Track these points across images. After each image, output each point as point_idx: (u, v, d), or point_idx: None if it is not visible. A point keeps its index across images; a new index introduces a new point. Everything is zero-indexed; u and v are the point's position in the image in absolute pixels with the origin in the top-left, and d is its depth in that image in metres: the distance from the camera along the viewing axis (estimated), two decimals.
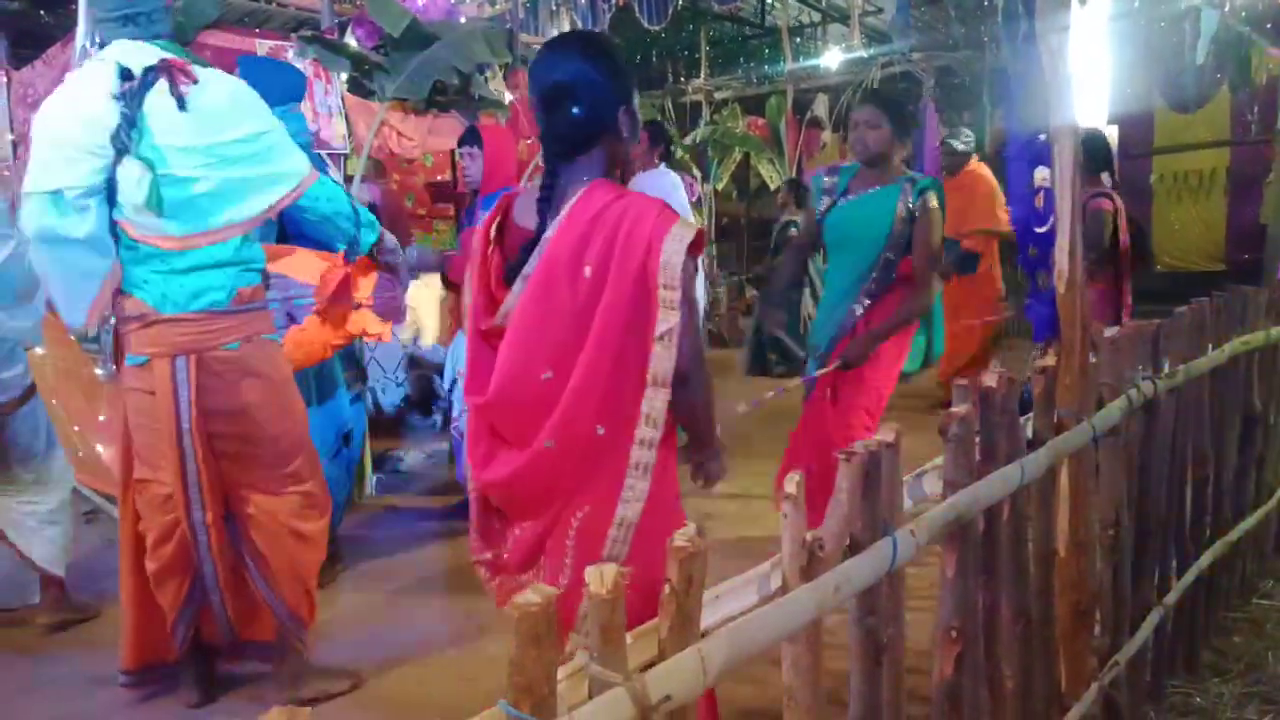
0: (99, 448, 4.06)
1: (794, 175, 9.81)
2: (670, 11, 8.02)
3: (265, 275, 2.69)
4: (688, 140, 10.46)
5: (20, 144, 4.81)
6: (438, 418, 5.83)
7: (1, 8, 6.20)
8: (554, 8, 7.30)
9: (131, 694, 2.73)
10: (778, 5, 11.22)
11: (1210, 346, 2.71)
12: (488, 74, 5.84)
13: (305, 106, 4.88)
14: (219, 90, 2.45)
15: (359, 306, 3.08)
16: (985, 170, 6.17)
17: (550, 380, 1.63)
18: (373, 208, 5.14)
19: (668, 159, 4.88)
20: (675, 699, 0.99)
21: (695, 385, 1.66)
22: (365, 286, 3.09)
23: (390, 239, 3.03)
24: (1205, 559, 2.74)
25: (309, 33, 4.86)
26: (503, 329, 1.69)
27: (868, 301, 3.09)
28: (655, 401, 1.60)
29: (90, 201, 2.39)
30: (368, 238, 2.88)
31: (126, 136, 2.34)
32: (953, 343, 6.16)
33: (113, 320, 2.58)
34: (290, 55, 4.92)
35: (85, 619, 3.33)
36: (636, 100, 1.76)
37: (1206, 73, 8.23)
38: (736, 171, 11.29)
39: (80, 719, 2.72)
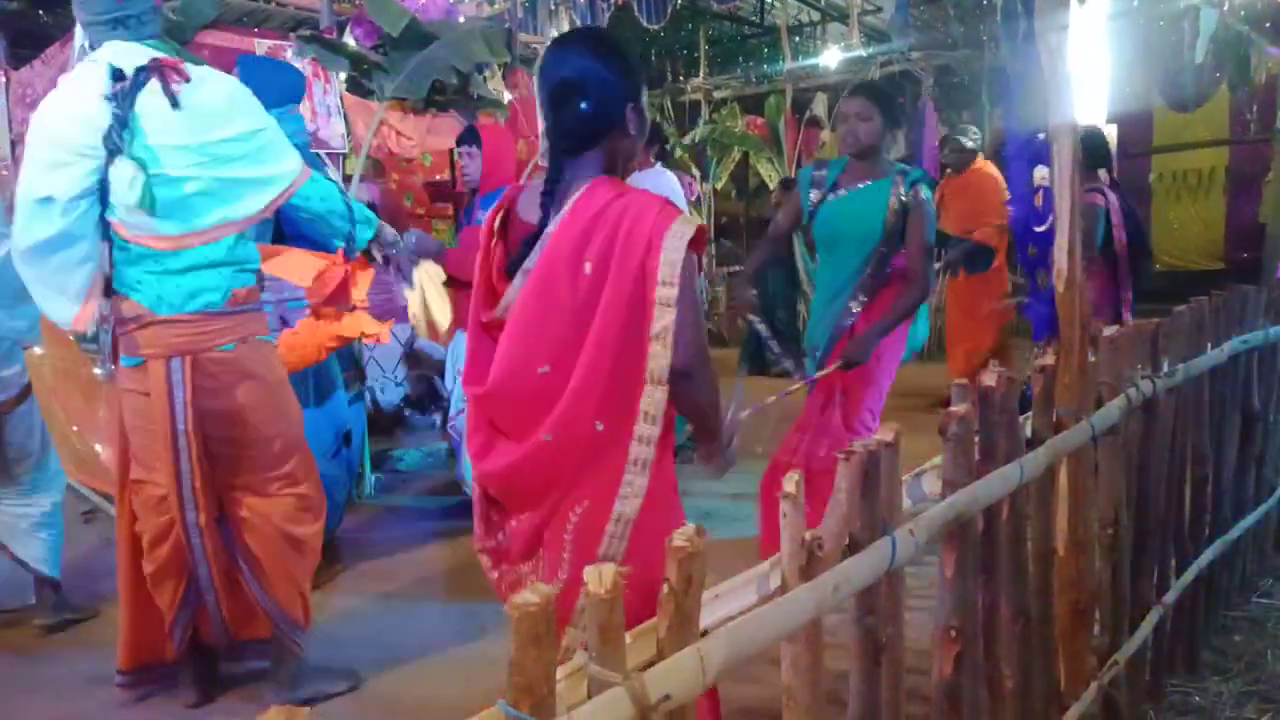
0: (98, 447, 4.06)
1: (791, 174, 9.81)
2: (669, 10, 8.02)
3: (260, 276, 2.69)
4: (687, 139, 10.46)
5: (19, 143, 4.81)
6: (437, 417, 5.83)
7: (0, 7, 6.19)
8: (553, 7, 7.29)
9: (130, 694, 2.73)
10: (777, 4, 11.22)
11: (1209, 345, 2.71)
12: (486, 73, 5.84)
13: (304, 106, 4.88)
14: (212, 89, 2.45)
15: (354, 308, 3.08)
16: (992, 168, 6.15)
17: (547, 375, 1.63)
18: (372, 207, 5.14)
19: (664, 158, 4.88)
20: (674, 698, 0.99)
21: (699, 382, 1.66)
22: (361, 287, 3.09)
23: (388, 231, 3.02)
24: (1205, 558, 2.74)
25: (308, 32, 4.86)
26: (503, 321, 1.70)
27: (864, 298, 3.07)
28: (654, 399, 1.60)
29: (82, 203, 2.39)
30: (364, 234, 2.88)
31: (119, 137, 2.34)
32: (967, 341, 6.12)
33: (111, 320, 2.58)
34: (289, 55, 4.91)
35: (82, 619, 3.33)
36: (645, 98, 1.77)
37: (1205, 72, 8.23)
38: (735, 171, 11.28)
39: (79, 719, 2.72)
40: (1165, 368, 2.44)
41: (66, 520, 3.51)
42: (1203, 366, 2.63)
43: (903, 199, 3.00)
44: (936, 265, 6.45)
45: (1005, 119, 7.82)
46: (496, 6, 6.80)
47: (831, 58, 10.95)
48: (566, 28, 7.48)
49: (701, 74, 11.50)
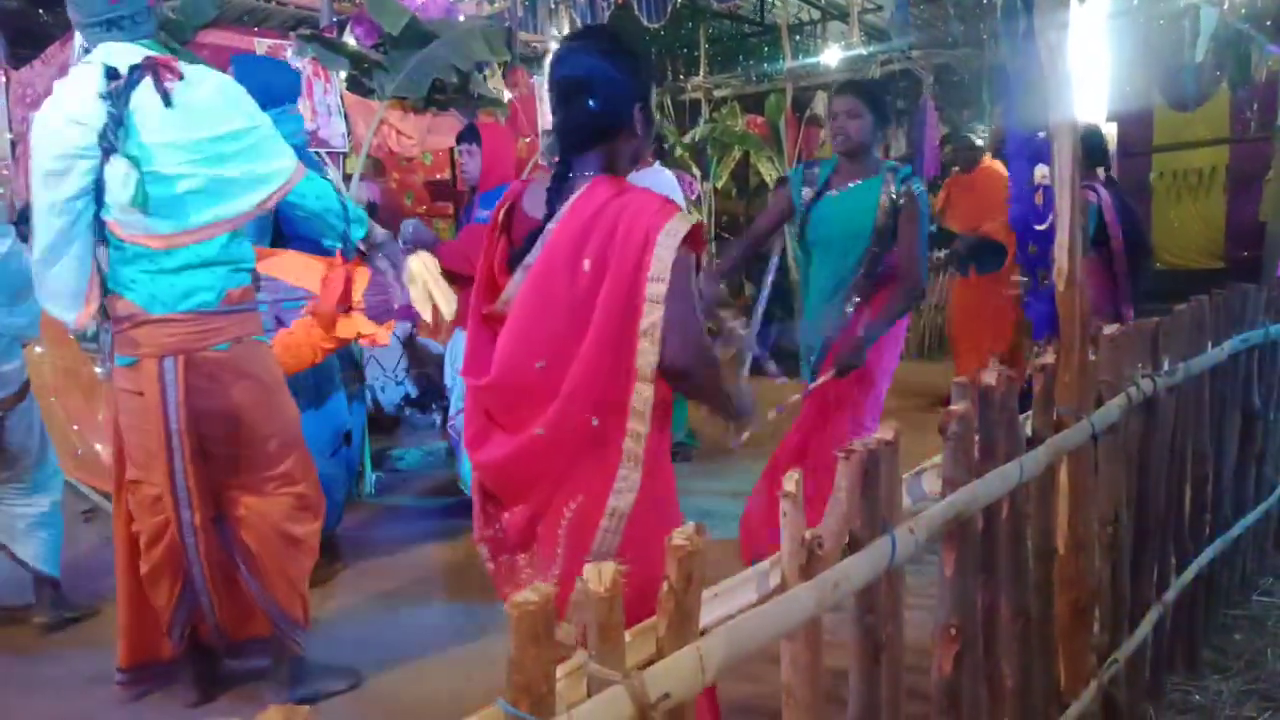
0: (98, 446, 4.07)
1: (800, 166, 9.78)
2: (669, 9, 8.02)
3: (255, 276, 2.69)
4: (687, 138, 10.44)
5: (19, 142, 4.81)
6: (437, 416, 5.83)
7: (0, 7, 6.19)
8: (553, 6, 7.29)
9: (130, 693, 2.74)
10: (777, 3, 11.21)
11: (1210, 344, 2.71)
12: (486, 72, 5.83)
13: (304, 105, 4.88)
14: (205, 86, 2.45)
15: (348, 310, 3.08)
16: (1000, 166, 6.12)
17: (544, 369, 1.64)
18: (372, 206, 5.15)
19: (661, 156, 4.88)
20: (674, 697, 0.99)
21: (699, 380, 1.66)
22: (358, 288, 3.09)
23: (378, 231, 3.01)
24: (1205, 556, 2.74)
25: (308, 31, 4.86)
26: (503, 315, 1.71)
27: (857, 299, 3.04)
28: (642, 396, 1.61)
29: (79, 203, 2.40)
30: (357, 232, 2.88)
31: (113, 135, 2.34)
32: (972, 342, 6.04)
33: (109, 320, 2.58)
34: (289, 54, 4.91)
35: (82, 618, 3.33)
36: (653, 99, 1.78)
37: (1206, 70, 8.21)
38: (736, 170, 11.25)
39: (78, 718, 2.72)
40: (1165, 366, 2.43)
41: (66, 519, 3.51)
42: (1203, 365, 2.63)
43: (894, 197, 2.98)
44: (941, 253, 6.33)
45: (1005, 117, 7.81)
46: (496, 5, 6.79)
47: (832, 56, 10.94)
48: (567, 26, 7.48)
49: (702, 73, 11.49)
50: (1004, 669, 1.82)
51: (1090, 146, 3.86)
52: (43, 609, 3.29)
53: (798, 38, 12.68)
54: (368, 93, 5.01)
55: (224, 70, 2.69)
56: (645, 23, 7.96)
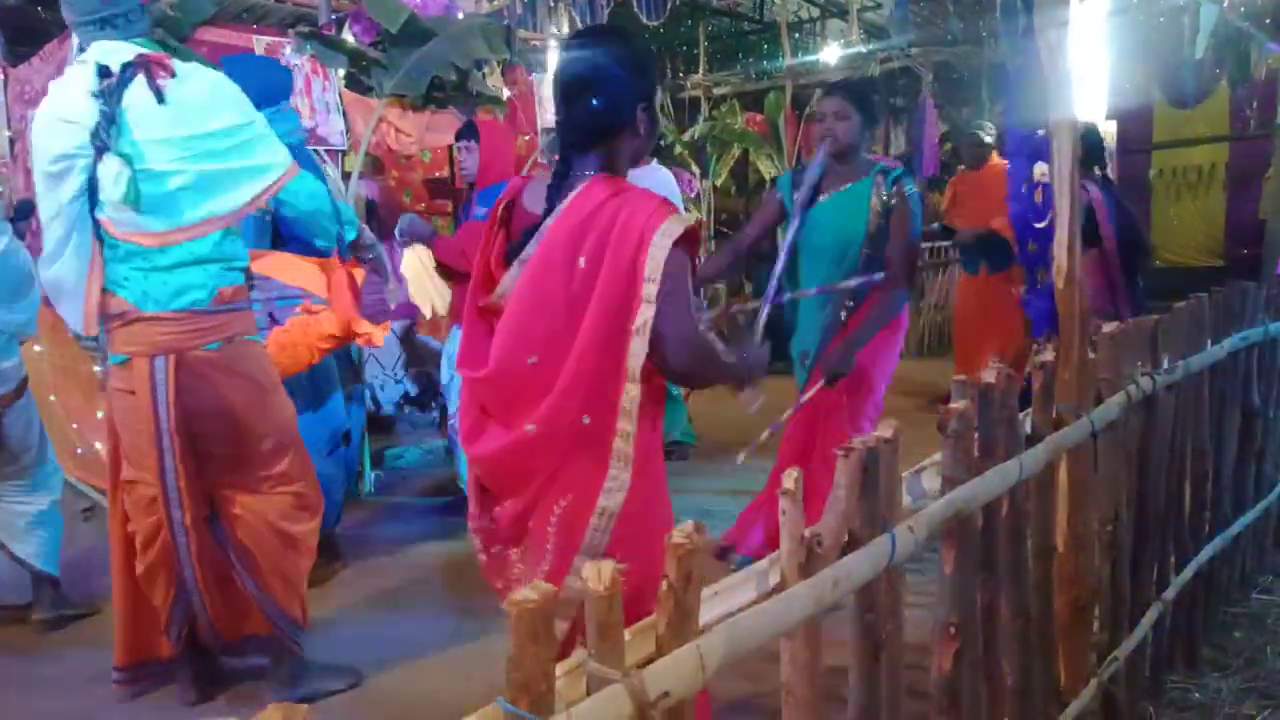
0: (97, 445, 4.06)
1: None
2: (669, 7, 8.01)
3: (249, 275, 2.68)
4: (686, 136, 10.44)
5: (18, 140, 4.80)
6: (435, 414, 5.83)
7: None
8: (552, 3, 7.27)
9: (127, 692, 2.73)
10: (776, 1, 11.20)
11: (1209, 342, 2.71)
12: (485, 70, 5.83)
13: (303, 102, 4.87)
14: (197, 83, 2.45)
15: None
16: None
17: (536, 365, 1.66)
18: (371, 204, 5.14)
19: (658, 154, 4.87)
20: (673, 695, 0.99)
21: (698, 377, 1.69)
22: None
23: (368, 235, 3.01)
24: (1204, 554, 2.74)
25: (306, 28, 4.85)
26: (498, 307, 1.72)
27: (851, 303, 3.00)
28: (631, 395, 1.62)
29: (77, 204, 2.40)
30: (349, 235, 2.87)
31: (106, 133, 2.34)
32: (979, 343, 5.95)
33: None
34: (287, 51, 4.90)
35: (81, 616, 3.33)
36: (657, 100, 1.78)
37: (1205, 68, 8.21)
38: (735, 167, 11.25)
39: (78, 717, 2.72)
40: (1165, 364, 2.43)
41: (65, 518, 3.51)
42: (1203, 363, 2.63)
43: (885, 198, 2.96)
44: (950, 249, 6.16)
45: (1005, 115, 7.81)
46: (495, 3, 6.78)
47: (831, 54, 10.94)
48: (566, 24, 7.47)
49: (701, 70, 11.49)
50: (1004, 667, 1.82)
51: (1086, 145, 3.85)
52: (42, 607, 3.29)
53: (797, 35, 12.67)
54: (366, 90, 5.00)
55: (216, 69, 2.69)
56: (644, 20, 7.95)
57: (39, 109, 2.50)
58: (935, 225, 6.23)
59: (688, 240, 1.62)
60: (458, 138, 3.97)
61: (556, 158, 1.77)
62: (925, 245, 9.51)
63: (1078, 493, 2.06)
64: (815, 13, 12.35)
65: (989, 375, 1.74)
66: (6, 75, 4.94)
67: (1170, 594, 2.53)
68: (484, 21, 5.00)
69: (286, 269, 3.04)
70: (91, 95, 2.36)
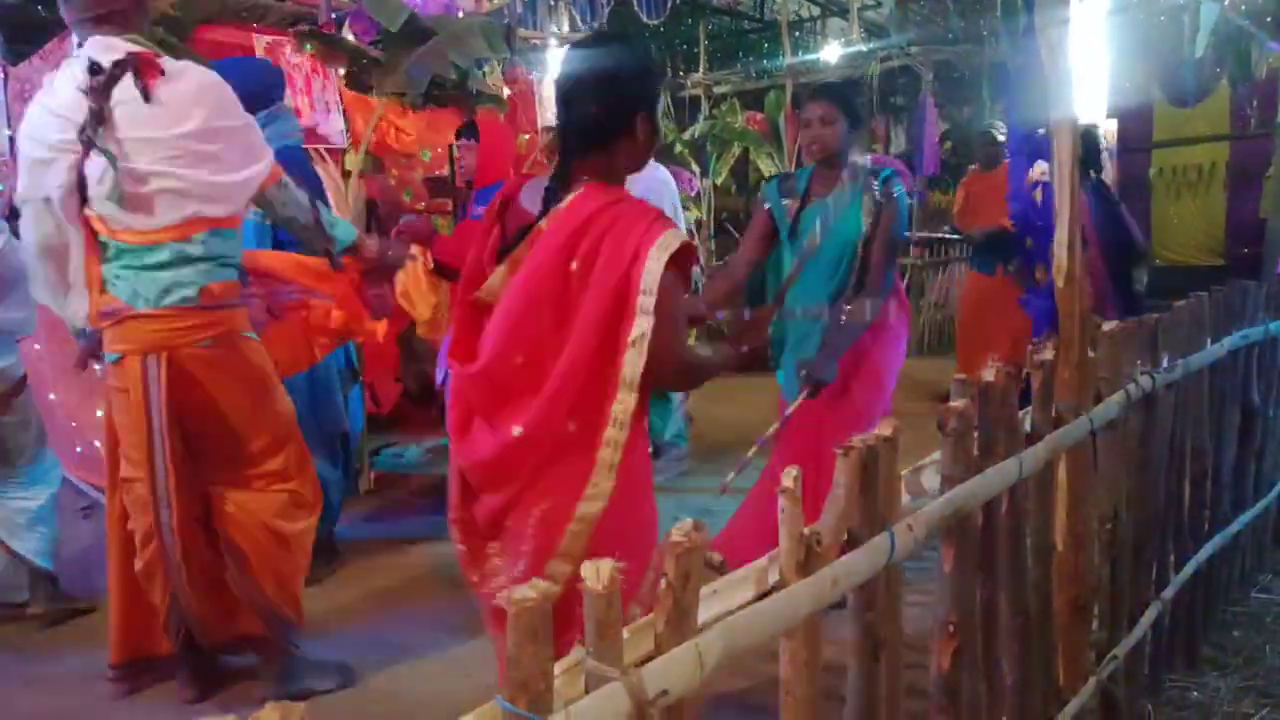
0: (97, 443, 4.06)
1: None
2: (669, 6, 8.00)
3: (243, 272, 2.68)
4: (686, 135, 10.44)
5: (17, 139, 4.80)
6: (435, 413, 5.82)
7: None
8: (552, 2, 7.28)
9: (123, 689, 2.73)
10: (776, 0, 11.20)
11: (1209, 341, 2.71)
12: (485, 69, 5.82)
13: (303, 101, 4.87)
14: (185, 83, 2.44)
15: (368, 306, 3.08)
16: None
17: (521, 365, 1.68)
18: (371, 203, 5.14)
19: (660, 153, 4.86)
20: (672, 693, 0.99)
21: (680, 389, 1.71)
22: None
23: (370, 246, 2.98)
24: (1204, 553, 2.74)
25: (306, 27, 4.85)
26: (487, 302, 1.75)
27: (849, 308, 2.95)
28: (624, 404, 1.64)
29: (62, 197, 2.40)
30: (338, 244, 2.84)
31: (93, 130, 2.34)
32: (987, 339, 5.88)
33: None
34: (287, 50, 4.90)
35: (79, 612, 3.33)
36: (659, 109, 1.79)
37: (1206, 66, 8.21)
38: (735, 166, 11.25)
39: (76, 715, 2.72)
40: (1165, 363, 2.43)
41: (64, 516, 3.50)
42: (1202, 362, 2.63)
43: (877, 199, 2.93)
44: (957, 237, 5.97)
45: (1006, 115, 7.80)
46: (495, 2, 6.78)
47: (831, 53, 10.93)
48: (566, 23, 7.47)
49: (701, 69, 11.48)
50: (1003, 666, 1.82)
51: (1082, 148, 3.82)
52: (38, 603, 3.29)
53: (797, 34, 12.67)
54: (366, 89, 5.00)
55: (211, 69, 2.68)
56: (645, 19, 7.95)
57: (32, 100, 2.51)
58: (947, 229, 6.16)
59: (682, 256, 1.63)
60: (457, 136, 3.98)
61: (556, 158, 1.78)
62: (927, 243, 9.54)
63: (1077, 491, 2.06)
64: (816, 11, 12.36)
65: (989, 374, 1.74)
66: (6, 74, 4.94)
67: (1169, 593, 2.53)
68: (484, 20, 5.00)
69: (288, 266, 3.04)
70: (80, 92, 2.36)
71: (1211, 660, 2.75)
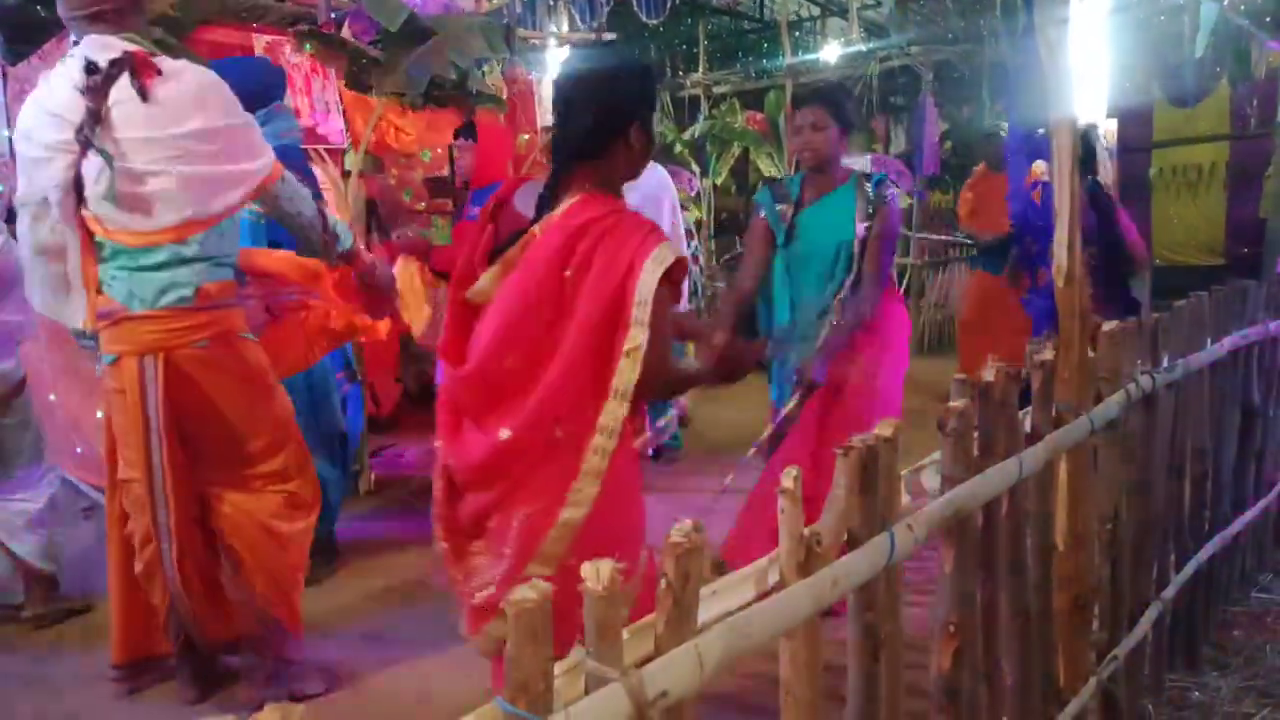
0: (97, 444, 4.05)
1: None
2: (668, 6, 8.00)
3: (240, 272, 2.67)
4: (686, 135, 10.45)
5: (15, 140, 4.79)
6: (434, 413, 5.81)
7: None
8: (551, 2, 7.27)
9: (125, 689, 2.73)
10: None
11: (1209, 340, 2.71)
12: (485, 69, 5.82)
13: (303, 102, 4.86)
14: (183, 82, 2.43)
15: (362, 308, 3.08)
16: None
17: (509, 368, 1.69)
18: (371, 203, 5.14)
19: (659, 153, 4.86)
20: (671, 695, 0.99)
21: (670, 396, 1.73)
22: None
23: (366, 258, 2.97)
24: (1204, 553, 2.74)
25: (305, 27, 4.84)
26: (476, 303, 1.77)
27: (844, 310, 2.95)
28: (615, 413, 1.66)
29: (59, 197, 2.39)
30: (344, 239, 2.85)
31: (90, 130, 2.33)
32: (993, 339, 5.83)
33: None
34: (287, 50, 4.90)
35: (76, 612, 3.32)
36: (653, 120, 1.80)
37: (1206, 66, 8.20)
38: (735, 166, 11.26)
39: (76, 715, 2.72)
40: (1165, 363, 2.43)
41: (65, 516, 3.50)
42: (1202, 362, 2.63)
43: (870, 200, 2.93)
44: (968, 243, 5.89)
45: (1006, 114, 7.79)
46: (495, 2, 6.78)
47: (831, 53, 10.94)
48: (566, 23, 7.46)
49: (701, 69, 11.48)
50: (1003, 666, 1.82)
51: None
52: (33, 606, 3.28)
53: (797, 34, 12.68)
54: (366, 89, 4.99)
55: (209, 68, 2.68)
56: (644, 19, 7.95)
57: (28, 100, 2.50)
58: (961, 234, 6.09)
59: (674, 271, 1.65)
60: (455, 137, 3.98)
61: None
62: (929, 244, 9.54)
63: (1077, 491, 2.06)
64: (815, 11, 12.36)
65: (989, 374, 1.74)
66: (6, 74, 4.94)
67: (1170, 593, 2.53)
68: (484, 20, 4.99)
69: (285, 266, 3.04)
70: (77, 91, 2.35)
71: (1212, 660, 2.75)
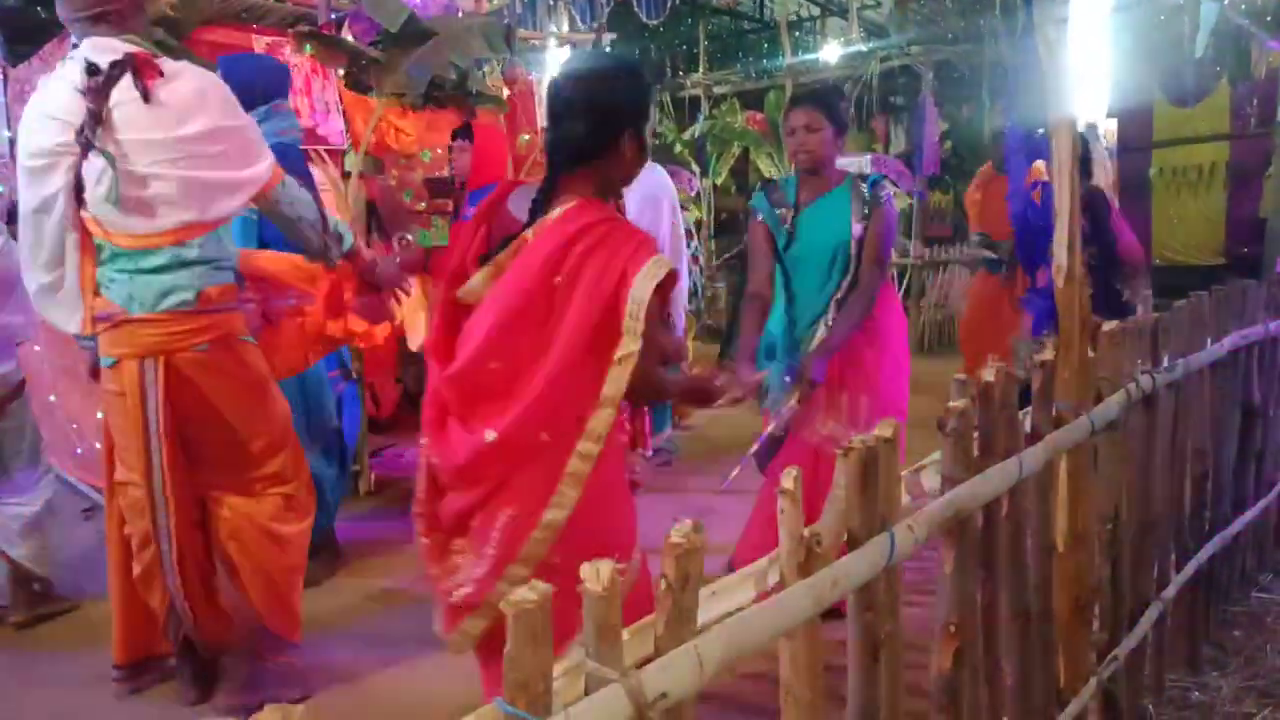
0: (97, 445, 4.06)
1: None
2: (668, 6, 8.01)
3: (239, 275, 2.66)
4: (686, 135, 10.46)
5: (17, 141, 4.79)
6: None
7: None
8: (551, 2, 7.27)
9: (127, 690, 2.73)
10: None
11: (1209, 340, 2.70)
12: (485, 69, 5.82)
13: (303, 102, 4.86)
14: (184, 84, 2.42)
15: (340, 314, 3.07)
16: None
17: (496, 371, 1.70)
18: (371, 204, 5.14)
19: (659, 154, 4.86)
20: (671, 696, 0.99)
21: (650, 403, 1.73)
22: (347, 290, 3.08)
23: (366, 255, 2.97)
24: (1204, 553, 2.74)
25: (306, 28, 4.84)
26: (466, 304, 1.78)
27: (841, 310, 2.95)
28: (603, 419, 1.67)
29: (60, 201, 2.39)
30: (346, 241, 2.84)
31: (91, 132, 2.32)
32: (997, 339, 5.80)
33: None
34: (287, 51, 4.90)
35: (60, 613, 3.31)
36: (649, 129, 1.81)
37: (1206, 66, 8.21)
38: (735, 166, 11.27)
39: (76, 715, 2.71)
40: (1165, 363, 2.43)
41: (65, 518, 3.50)
42: (1203, 361, 2.62)
43: (866, 200, 2.92)
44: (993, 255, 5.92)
45: (1005, 114, 7.79)
46: (495, 2, 6.78)
47: (831, 53, 10.95)
48: (566, 24, 7.47)
49: (701, 69, 11.50)
50: (1003, 666, 1.82)
51: None
52: (18, 611, 3.25)
53: (797, 34, 12.69)
54: (366, 90, 5.00)
55: (213, 69, 2.67)
56: (644, 19, 7.95)
57: (29, 102, 2.49)
58: (974, 238, 6.03)
59: (665, 283, 1.66)
60: (453, 137, 3.98)
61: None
62: (930, 244, 9.53)
63: (1078, 492, 2.06)
64: (815, 11, 12.36)
65: (989, 374, 1.74)
66: (6, 75, 4.94)
67: (1170, 593, 2.53)
68: (484, 20, 5.00)
69: (281, 268, 3.03)
70: (78, 93, 2.34)
71: (1212, 660, 2.75)
